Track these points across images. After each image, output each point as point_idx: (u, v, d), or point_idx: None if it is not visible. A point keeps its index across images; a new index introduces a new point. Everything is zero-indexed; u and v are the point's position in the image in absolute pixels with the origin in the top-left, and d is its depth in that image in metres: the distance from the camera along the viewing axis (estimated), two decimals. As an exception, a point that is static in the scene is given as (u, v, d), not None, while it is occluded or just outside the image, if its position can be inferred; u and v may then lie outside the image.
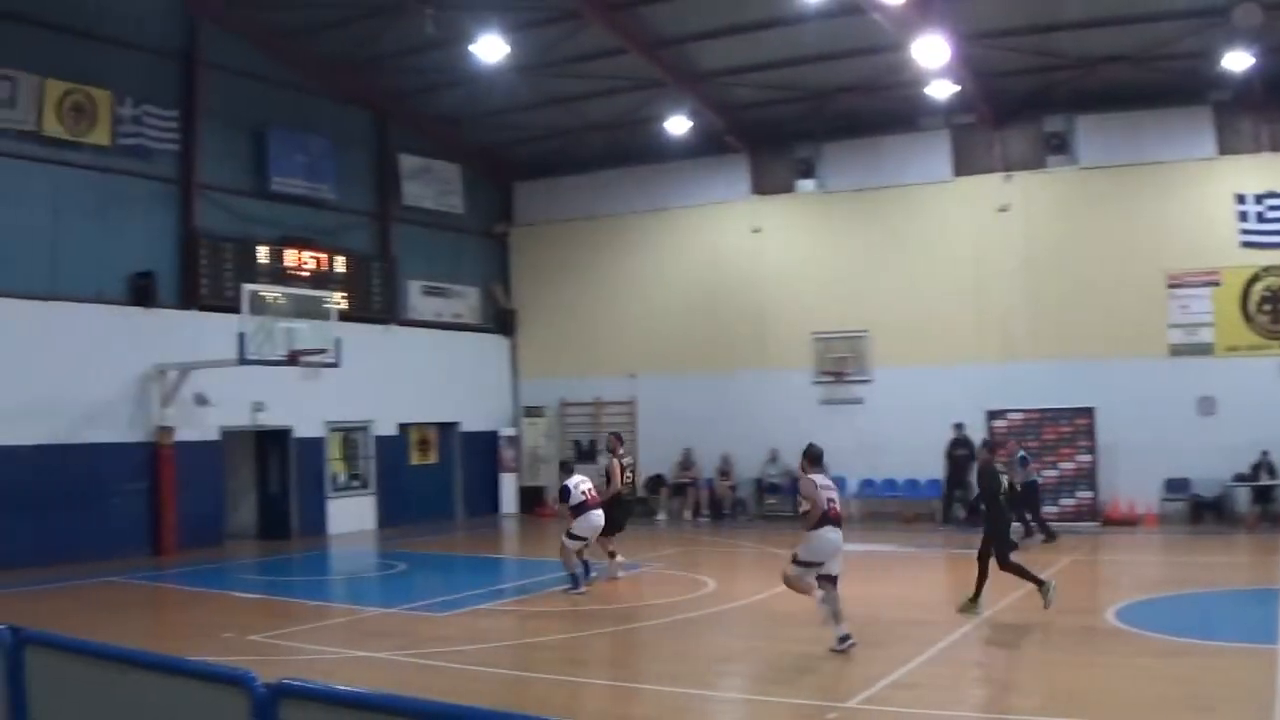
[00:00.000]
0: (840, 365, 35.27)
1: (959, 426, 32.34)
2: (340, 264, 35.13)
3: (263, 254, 32.81)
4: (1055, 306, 32.68)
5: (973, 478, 28.20)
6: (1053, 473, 31.84)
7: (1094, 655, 15.62)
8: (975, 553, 19.26)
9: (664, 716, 13.46)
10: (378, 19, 31.36)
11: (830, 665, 15.34)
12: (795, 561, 16.62)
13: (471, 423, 39.66)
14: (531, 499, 39.80)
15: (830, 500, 16.64)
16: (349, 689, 6.30)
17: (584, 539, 22.37)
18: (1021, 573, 18.66)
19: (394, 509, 35.31)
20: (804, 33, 29.43)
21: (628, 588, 23.11)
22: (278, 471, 33.67)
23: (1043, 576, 18.62)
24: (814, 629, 17.79)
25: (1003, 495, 19.27)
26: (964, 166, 34.27)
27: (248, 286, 28.29)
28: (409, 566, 26.73)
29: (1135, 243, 31.93)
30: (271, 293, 28.73)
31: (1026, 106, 33.15)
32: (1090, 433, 31.91)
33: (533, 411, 40.99)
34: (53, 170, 28.35)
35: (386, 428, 36.08)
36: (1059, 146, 32.92)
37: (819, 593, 16.41)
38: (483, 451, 39.92)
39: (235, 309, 28.06)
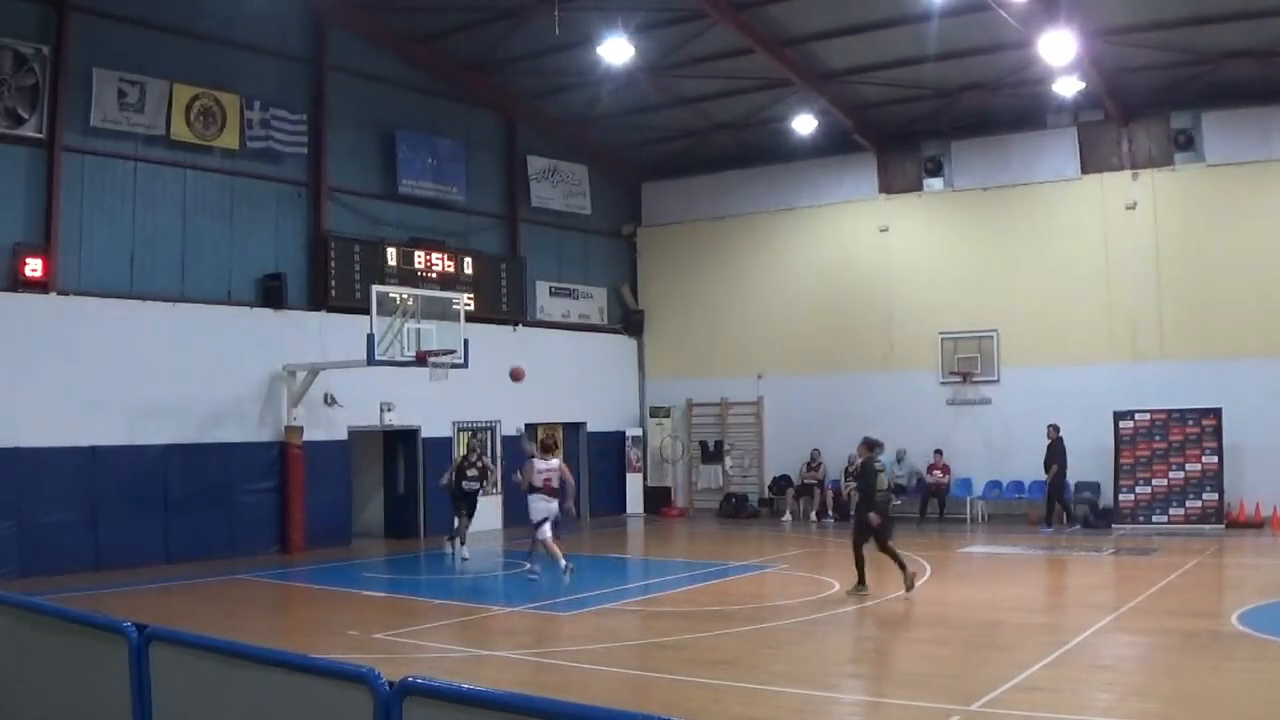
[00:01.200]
0: (968, 366, 34.93)
1: (1054, 428, 32.32)
2: (469, 265, 35.28)
3: (391, 256, 33.06)
4: (1183, 306, 32.11)
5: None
6: (1178, 474, 31.46)
7: (1217, 660, 15.40)
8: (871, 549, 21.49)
9: (785, 718, 13.41)
10: (505, 22, 31.53)
11: (953, 668, 15.24)
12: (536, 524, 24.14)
13: (598, 423, 39.78)
14: (657, 499, 39.84)
15: (546, 479, 24.05)
16: (473, 687, 6.29)
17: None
18: (860, 564, 21.37)
19: (521, 508, 35.25)
20: (930, 30, 29.21)
21: (752, 588, 23.09)
22: (405, 471, 33.86)
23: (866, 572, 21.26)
24: (937, 631, 17.76)
25: (880, 491, 21.58)
26: (1091, 164, 33.77)
27: (376, 288, 28.46)
28: (534, 566, 26.83)
29: (1264, 241, 31.27)
30: (400, 294, 28.86)
31: (1153, 103, 32.67)
32: (1217, 433, 31.22)
33: (659, 412, 41.02)
34: (182, 174, 28.79)
35: (514, 428, 36.19)
36: (1186, 143, 32.42)
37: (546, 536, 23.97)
38: (609, 452, 39.99)
39: (364, 310, 28.26)
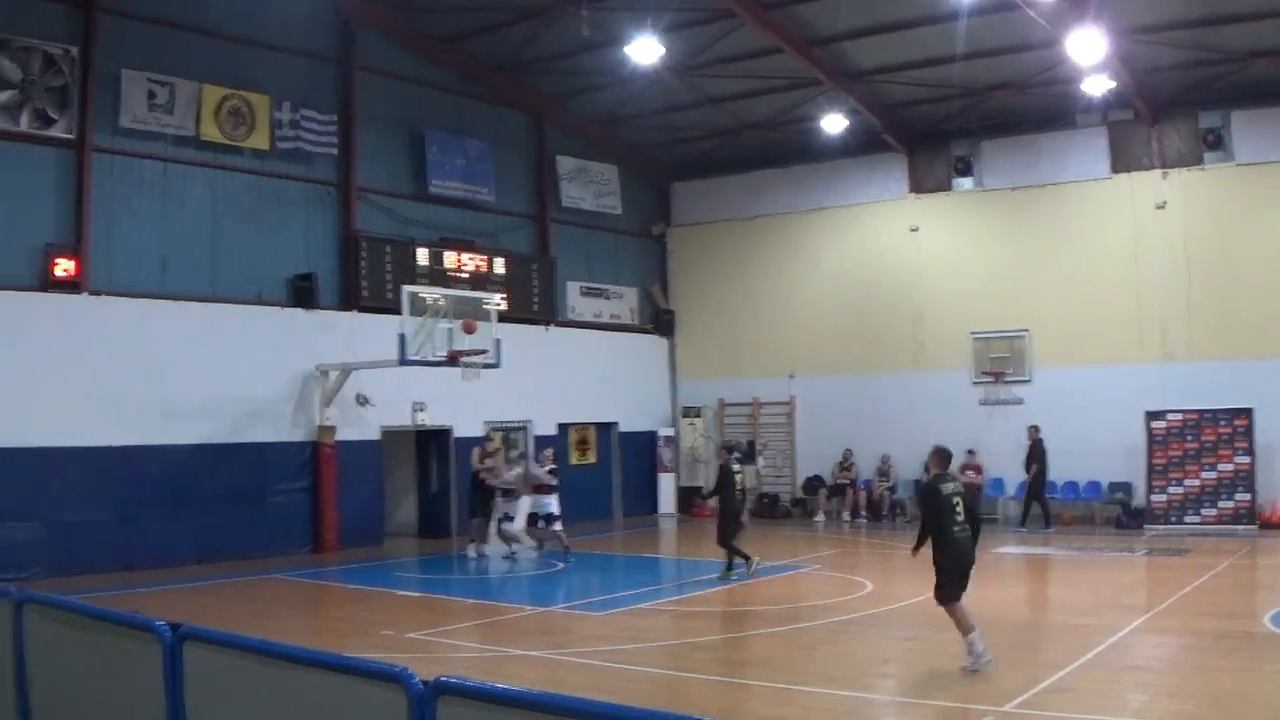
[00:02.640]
0: (1000, 365, 34.81)
1: (1034, 429, 32.62)
2: (500, 265, 35.29)
3: (422, 256, 33.07)
4: (1214, 305, 31.86)
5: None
6: (1210, 475, 31.24)
7: (1249, 661, 15.36)
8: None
9: (818, 719, 13.39)
10: (533, 22, 31.60)
11: (986, 669, 15.20)
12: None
13: (630, 423, 39.79)
14: (689, 499, 39.78)
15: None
16: (506, 687, 6.27)
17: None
18: (736, 551, 24.00)
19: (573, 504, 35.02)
20: (958, 29, 29.06)
21: (785, 588, 23.05)
22: (438, 470, 33.89)
23: (750, 553, 24.08)
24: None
25: (738, 491, 24.50)
26: (1120, 163, 33.55)
27: (407, 288, 28.43)
28: (567, 565, 26.81)
29: (1293, 240, 31.26)
30: (431, 294, 28.85)
31: (1182, 102, 32.44)
32: (1249, 434, 30.98)
33: (691, 412, 40.98)
34: (212, 174, 28.86)
35: (546, 428, 36.17)
36: (1215, 143, 32.20)
37: None
38: (641, 452, 39.95)
39: (395, 310, 28.26)
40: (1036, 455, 32.34)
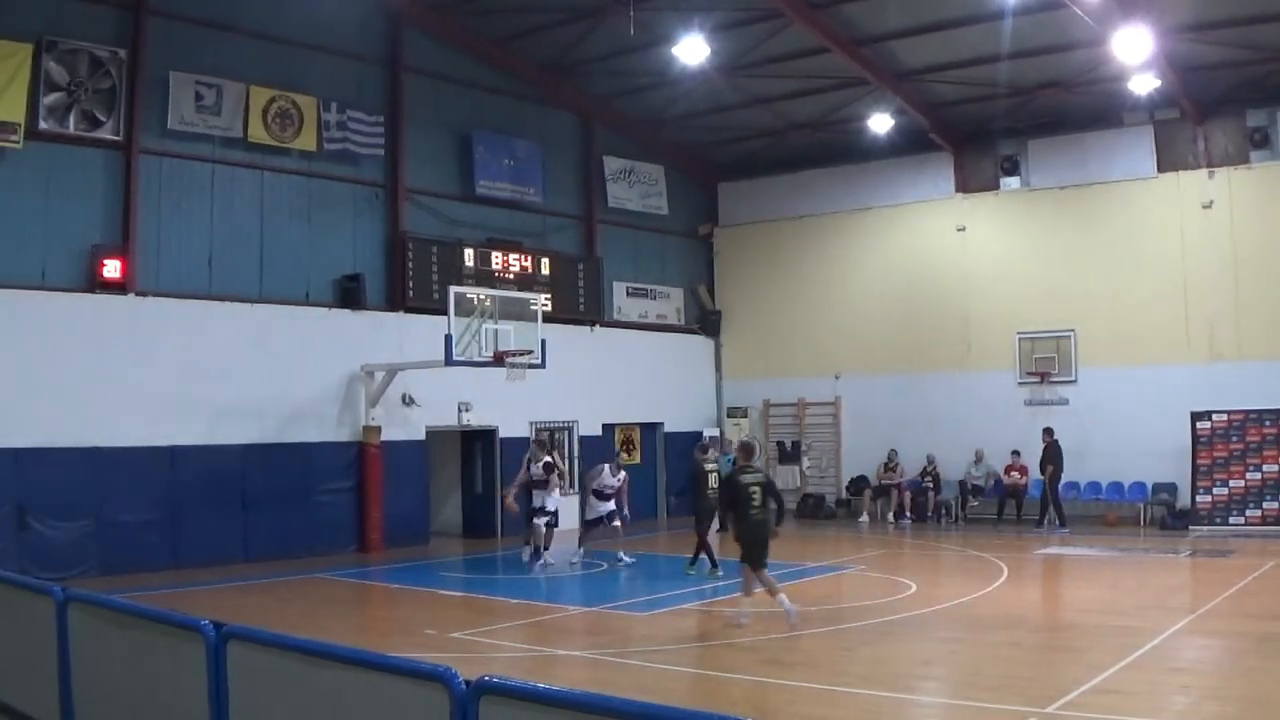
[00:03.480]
0: (1045, 366, 34.68)
1: (1049, 431, 32.88)
2: (546, 266, 35.34)
3: (469, 256, 33.17)
4: (1261, 305, 31.62)
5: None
6: (1255, 476, 31.03)
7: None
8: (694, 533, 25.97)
9: (861, 720, 13.40)
10: (581, 23, 31.66)
11: (1029, 671, 15.16)
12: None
13: (675, 423, 39.75)
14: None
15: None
16: (549, 687, 6.31)
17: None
18: (708, 550, 25.07)
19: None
20: (1004, 29, 29.01)
21: (829, 589, 23.01)
22: (483, 470, 33.93)
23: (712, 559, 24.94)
24: (1013, 633, 17.66)
25: (711, 489, 25.26)
26: (1167, 163, 33.36)
27: (454, 289, 28.50)
28: (611, 566, 26.79)
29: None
30: (478, 294, 28.92)
31: (1228, 101, 32.32)
32: (1294, 434, 30.97)
33: (736, 412, 40.93)
34: (260, 175, 29.04)
35: (591, 428, 36.19)
36: (1262, 141, 32.02)
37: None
38: (686, 452, 39.86)
39: (442, 311, 28.33)
40: (1052, 456, 32.56)
